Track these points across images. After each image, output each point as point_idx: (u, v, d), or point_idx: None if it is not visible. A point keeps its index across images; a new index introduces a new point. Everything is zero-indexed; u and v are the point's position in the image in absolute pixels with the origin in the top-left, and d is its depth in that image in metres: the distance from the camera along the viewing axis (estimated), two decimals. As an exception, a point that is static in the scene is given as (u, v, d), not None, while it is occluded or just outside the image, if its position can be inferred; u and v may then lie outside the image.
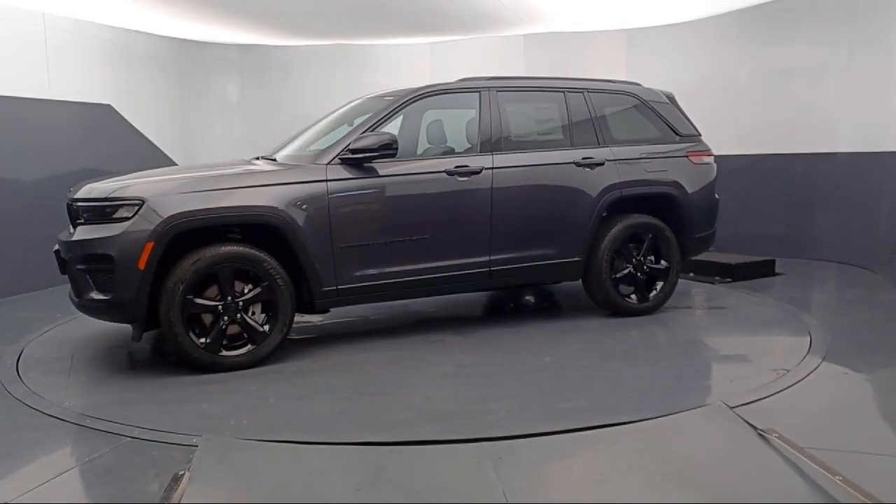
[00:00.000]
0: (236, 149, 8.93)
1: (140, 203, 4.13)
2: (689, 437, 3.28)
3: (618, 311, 5.41)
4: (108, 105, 8.06)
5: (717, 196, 5.82)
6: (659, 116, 5.67)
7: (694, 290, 6.38)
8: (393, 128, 5.02)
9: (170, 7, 7.55)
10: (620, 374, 4.14)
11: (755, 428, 3.22)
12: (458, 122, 5.29)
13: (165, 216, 4.11)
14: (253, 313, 4.35)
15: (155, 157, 8.28)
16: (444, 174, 4.84)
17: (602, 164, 5.29)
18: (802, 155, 7.83)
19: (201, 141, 9.78)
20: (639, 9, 8.07)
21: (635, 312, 5.41)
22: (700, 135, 5.82)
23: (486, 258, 4.98)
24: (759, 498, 2.66)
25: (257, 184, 4.39)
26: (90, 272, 4.19)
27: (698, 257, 6.10)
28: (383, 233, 4.69)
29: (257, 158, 5.16)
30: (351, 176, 4.59)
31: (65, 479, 2.93)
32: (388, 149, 4.58)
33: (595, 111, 5.44)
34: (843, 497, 2.58)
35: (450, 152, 5.20)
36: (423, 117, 5.50)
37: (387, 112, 4.85)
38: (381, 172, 4.68)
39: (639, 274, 5.41)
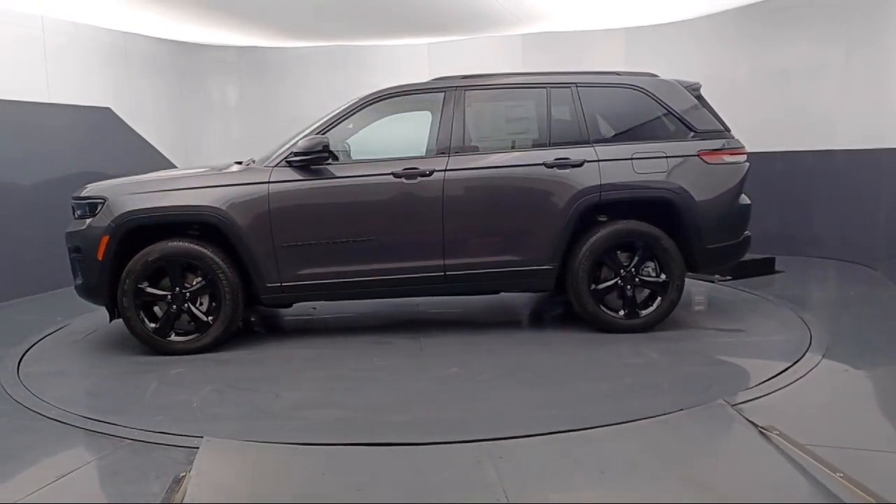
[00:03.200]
0: (235, 150, 8.91)
1: (103, 201, 4.71)
2: (689, 435, 3.29)
3: (602, 327, 4.90)
4: (108, 108, 8.06)
5: (745, 201, 5.13)
6: (669, 111, 5.03)
7: (693, 291, 6.37)
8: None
9: (168, 9, 7.56)
10: (505, 392, 3.87)
11: (756, 425, 3.22)
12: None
13: (117, 213, 4.65)
14: (201, 304, 4.74)
15: (154, 160, 8.29)
16: (391, 176, 4.81)
17: (579, 165, 4.84)
18: (801, 152, 7.83)
19: (201, 143, 9.79)
20: (637, 8, 8.08)
21: (622, 330, 4.88)
22: (727, 130, 5.14)
23: (439, 262, 4.84)
24: (761, 495, 2.67)
25: (202, 185, 4.78)
26: (74, 260, 4.84)
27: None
28: (325, 234, 4.80)
29: (251, 161, 5.19)
30: (291, 178, 4.79)
31: (66, 481, 2.93)
32: (322, 152, 4.74)
33: (584, 107, 5.00)
34: (844, 494, 2.59)
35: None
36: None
37: (342, 114, 4.97)
38: (328, 175, 4.82)
39: (628, 287, 4.88)
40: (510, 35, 9.46)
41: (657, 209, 4.95)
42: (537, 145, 5.03)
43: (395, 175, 4.82)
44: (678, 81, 5.20)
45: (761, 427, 3.19)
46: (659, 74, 5.38)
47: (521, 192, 4.88)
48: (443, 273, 4.87)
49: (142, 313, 4.70)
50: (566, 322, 5.32)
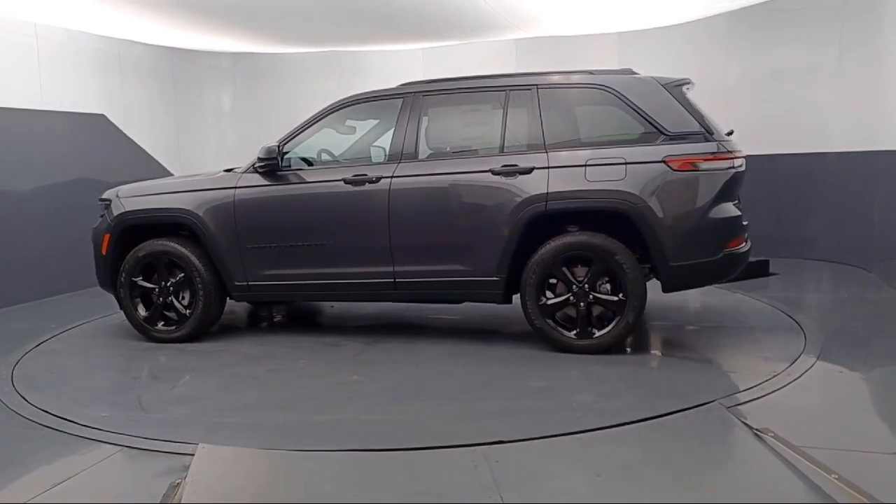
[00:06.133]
0: (230, 156, 8.93)
1: (109, 203, 5.31)
2: (684, 437, 3.29)
3: (554, 345, 4.60)
4: (102, 115, 8.05)
5: (726, 213, 4.47)
6: (637, 111, 4.55)
7: (688, 294, 6.36)
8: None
9: (162, 16, 7.56)
10: (367, 405, 3.83)
11: (751, 427, 3.24)
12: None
13: (115, 214, 5.24)
14: (183, 298, 5.16)
15: (149, 166, 8.28)
16: (342, 183, 4.87)
17: (528, 172, 4.54)
18: (795, 155, 7.87)
19: (195, 149, 9.78)
20: (631, 12, 8.11)
21: (574, 350, 4.53)
22: (709, 133, 4.49)
23: (389, 269, 4.82)
24: (755, 497, 2.67)
25: (182, 190, 5.22)
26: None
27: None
28: (283, 237, 5.00)
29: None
30: (254, 184, 5.05)
31: (61, 489, 2.92)
32: (273, 160, 4.95)
33: (543, 110, 4.67)
34: (838, 495, 2.59)
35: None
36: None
37: (308, 122, 5.11)
38: (287, 181, 5.00)
39: (581, 304, 4.52)
40: (504, 40, 9.48)
41: (618, 221, 4.49)
42: (492, 151, 4.75)
43: (346, 181, 4.86)
44: (656, 78, 4.73)
45: (756, 429, 3.20)
46: (639, 72, 4.98)
47: (466, 200, 4.68)
48: (393, 280, 4.85)
49: (140, 303, 5.21)
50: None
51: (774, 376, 4.00)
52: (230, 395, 4.09)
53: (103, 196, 5.44)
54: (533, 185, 4.54)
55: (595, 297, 4.50)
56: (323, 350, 4.93)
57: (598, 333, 4.52)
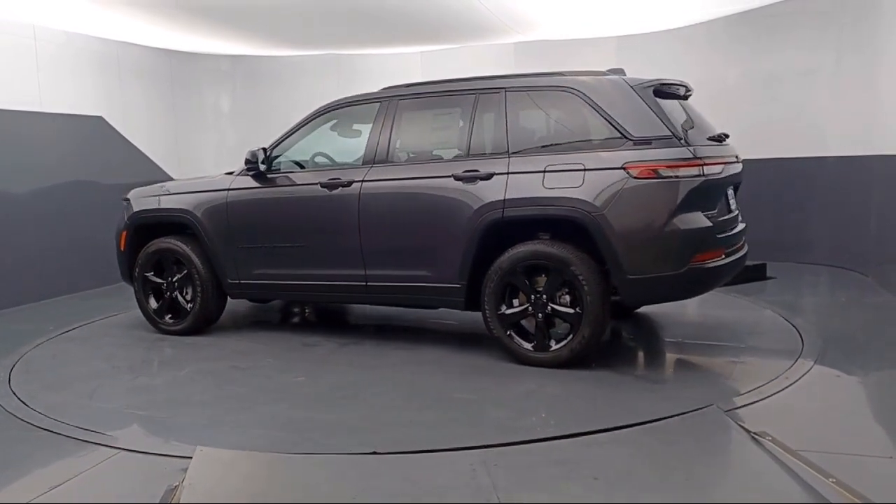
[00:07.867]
0: (229, 159, 8.92)
1: (129, 202, 5.67)
2: (682, 440, 3.29)
3: (512, 356, 4.46)
4: (100, 117, 8.05)
5: (692, 224, 4.12)
6: (601, 114, 4.29)
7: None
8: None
9: (161, 19, 7.56)
10: (282, 408, 3.84)
11: (748, 431, 3.24)
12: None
13: (130, 213, 5.62)
14: (187, 293, 5.45)
15: (147, 169, 8.28)
16: (318, 186, 4.96)
17: (488, 177, 4.43)
18: (792, 159, 7.88)
19: (194, 152, 9.78)
20: (629, 16, 8.13)
21: (531, 362, 4.36)
22: (678, 137, 4.18)
23: (361, 272, 4.88)
24: (753, 500, 2.68)
25: (185, 191, 5.51)
26: None
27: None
28: (268, 238, 5.18)
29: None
30: (244, 186, 5.25)
31: (58, 492, 2.92)
32: (255, 163, 5.14)
33: (509, 114, 4.53)
34: (836, 499, 2.60)
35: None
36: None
37: (294, 127, 5.26)
38: (272, 183, 5.18)
39: (539, 315, 4.35)
40: (503, 43, 9.49)
41: (577, 230, 4.26)
42: (460, 155, 4.66)
43: (322, 185, 4.93)
44: (627, 80, 4.48)
45: (754, 433, 3.20)
46: (631, 74, 4.79)
47: (429, 206, 4.62)
48: (364, 283, 4.90)
49: (151, 296, 5.54)
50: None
51: (772, 380, 4.00)
52: (173, 389, 4.27)
53: (126, 195, 5.76)
54: (491, 192, 4.41)
55: (553, 309, 4.32)
56: (297, 349, 5.04)
57: (554, 346, 4.33)
